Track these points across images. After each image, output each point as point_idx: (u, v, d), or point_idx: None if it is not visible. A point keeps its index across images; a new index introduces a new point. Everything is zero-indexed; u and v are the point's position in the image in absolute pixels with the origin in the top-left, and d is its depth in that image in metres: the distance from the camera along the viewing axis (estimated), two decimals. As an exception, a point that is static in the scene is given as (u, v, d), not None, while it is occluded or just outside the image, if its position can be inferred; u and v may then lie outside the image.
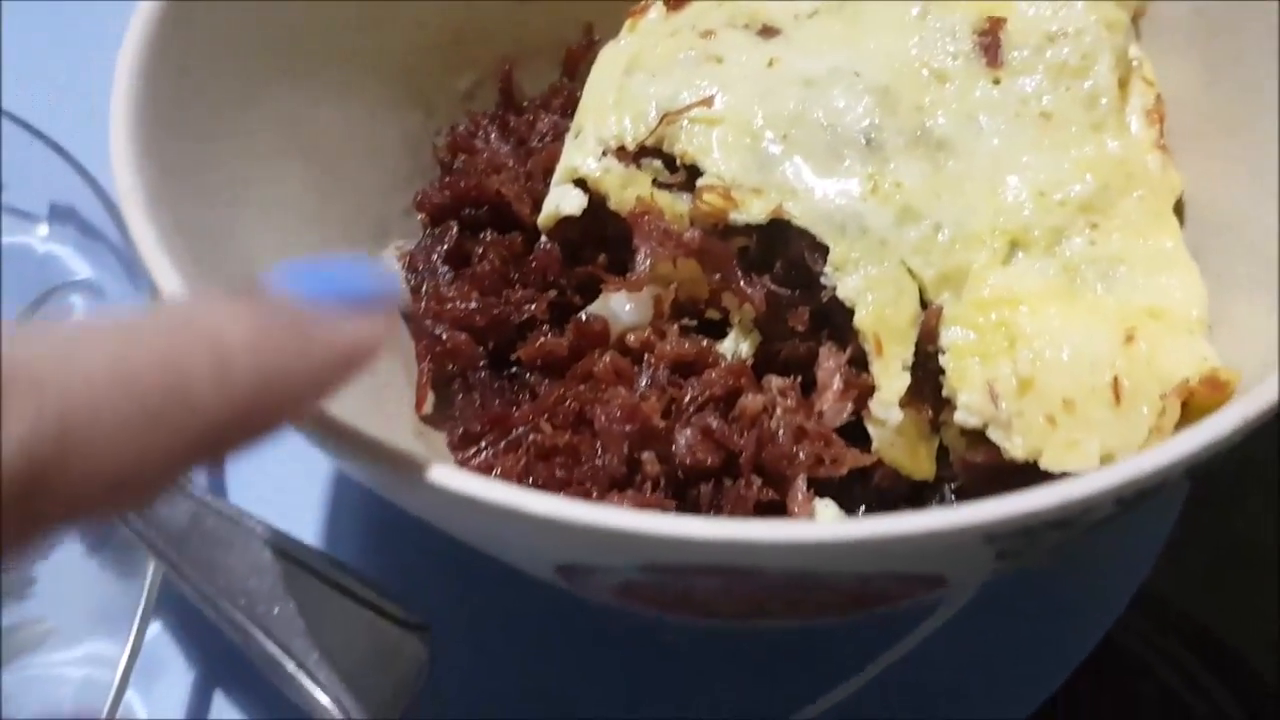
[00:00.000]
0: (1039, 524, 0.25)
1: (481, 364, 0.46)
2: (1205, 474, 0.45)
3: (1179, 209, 0.43)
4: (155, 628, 0.45)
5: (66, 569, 0.46)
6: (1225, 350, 0.39)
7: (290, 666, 0.36)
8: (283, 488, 0.45)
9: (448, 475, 0.26)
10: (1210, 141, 0.44)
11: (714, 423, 0.41)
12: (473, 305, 0.46)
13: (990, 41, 0.42)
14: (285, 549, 0.39)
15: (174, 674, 0.46)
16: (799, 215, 0.41)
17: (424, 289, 0.48)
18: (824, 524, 0.24)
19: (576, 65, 0.55)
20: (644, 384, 0.43)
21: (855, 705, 0.43)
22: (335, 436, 0.29)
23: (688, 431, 0.41)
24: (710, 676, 0.44)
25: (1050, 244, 0.40)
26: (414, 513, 0.34)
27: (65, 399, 0.19)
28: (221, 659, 0.42)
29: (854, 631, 0.41)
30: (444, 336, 0.46)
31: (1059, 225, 0.40)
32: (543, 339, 0.46)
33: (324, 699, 0.35)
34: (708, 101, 0.44)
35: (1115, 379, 0.36)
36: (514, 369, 0.47)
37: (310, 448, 0.32)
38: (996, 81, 0.42)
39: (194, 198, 0.38)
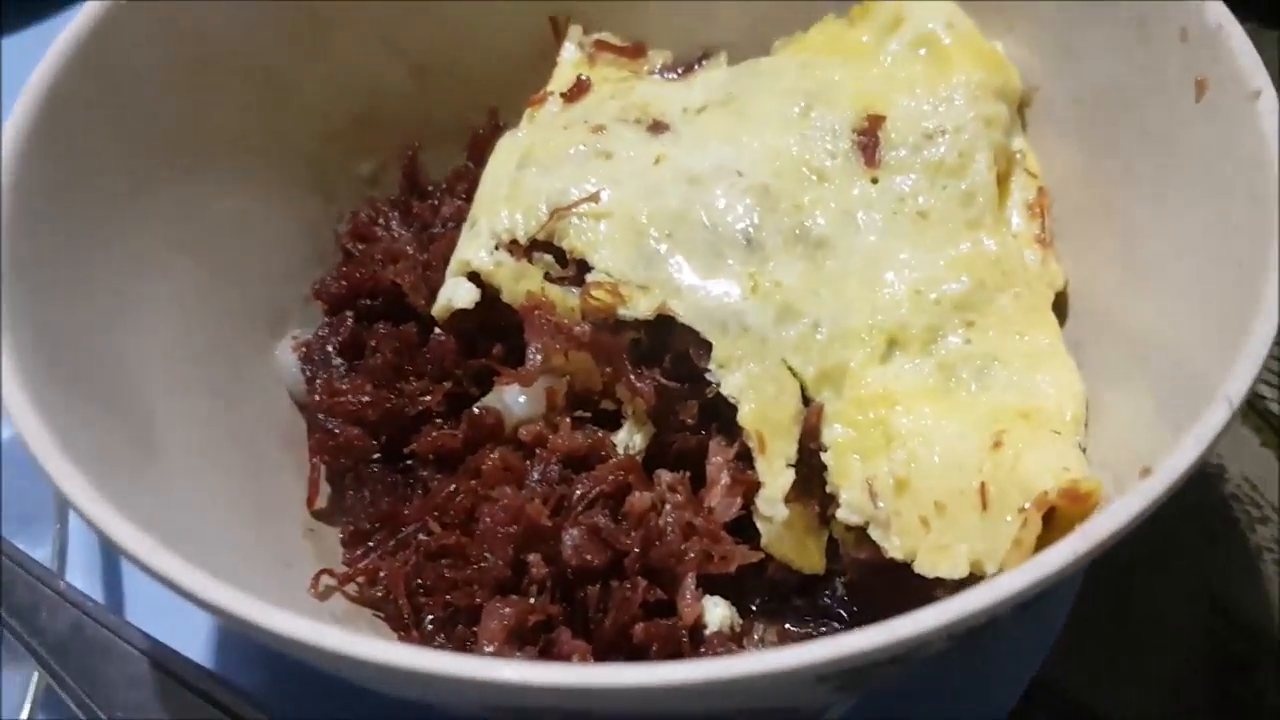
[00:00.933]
0: (869, 664, 0.25)
1: (375, 458, 0.46)
2: (1100, 563, 0.46)
3: (1061, 302, 0.44)
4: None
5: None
6: (1104, 443, 0.39)
7: None
8: (172, 596, 0.44)
9: (303, 631, 0.26)
10: (1090, 229, 0.44)
11: (602, 521, 0.41)
12: (366, 399, 0.46)
13: (869, 141, 0.43)
14: (163, 662, 0.39)
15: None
16: (683, 313, 0.42)
17: (318, 381, 0.47)
18: (654, 668, 0.24)
19: (482, 150, 0.55)
20: (535, 479, 0.43)
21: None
22: (192, 595, 0.29)
23: (574, 532, 0.41)
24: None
25: (926, 342, 0.40)
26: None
27: None
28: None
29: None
30: (336, 431, 0.46)
31: (935, 324, 0.40)
32: (436, 433, 0.45)
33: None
34: (595, 198, 0.44)
35: (983, 484, 0.36)
36: (408, 462, 0.46)
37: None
38: (875, 180, 0.43)
39: (67, 291, 0.38)
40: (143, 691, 0.39)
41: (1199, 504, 0.51)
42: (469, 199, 0.52)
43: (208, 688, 0.38)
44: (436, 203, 0.54)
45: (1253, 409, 0.53)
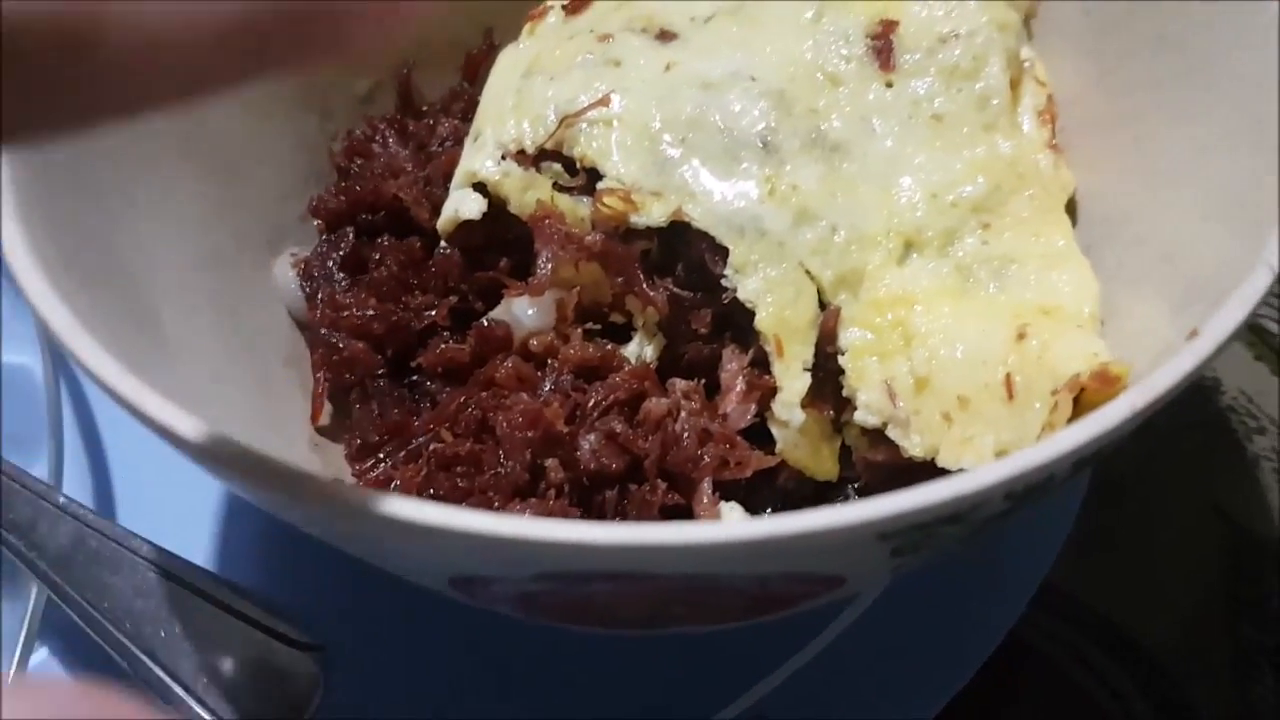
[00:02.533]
0: (931, 519, 0.25)
1: (380, 372, 0.45)
2: (1102, 470, 0.47)
3: (1071, 207, 0.44)
4: (41, 653, 0.43)
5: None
6: (1119, 344, 0.40)
7: (179, 690, 0.35)
8: (171, 506, 0.43)
9: (334, 490, 0.25)
10: (1101, 139, 0.45)
11: (618, 427, 0.41)
12: (370, 312, 0.45)
13: (883, 45, 0.43)
14: (171, 570, 0.38)
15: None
16: (698, 218, 0.41)
17: (320, 297, 0.46)
18: (715, 525, 0.24)
19: (476, 69, 0.54)
20: (547, 389, 0.43)
21: (765, 708, 0.43)
22: (218, 458, 0.28)
23: (591, 437, 0.41)
24: (619, 685, 0.43)
25: (944, 244, 0.40)
26: (304, 529, 0.33)
27: None
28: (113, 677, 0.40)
29: (761, 635, 0.40)
30: (340, 345, 0.45)
31: (952, 226, 0.40)
32: (444, 346, 0.45)
33: (211, 722, 0.34)
34: (605, 101, 0.43)
35: (1008, 376, 0.36)
36: (415, 377, 0.46)
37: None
38: (889, 84, 0.42)
39: (74, 193, 0.37)
40: (151, 600, 0.38)
41: (1198, 417, 0.52)
42: (465, 119, 0.51)
43: (216, 591, 0.38)
44: (432, 122, 0.52)
45: (1245, 324, 0.53)
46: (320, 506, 0.27)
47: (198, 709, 0.34)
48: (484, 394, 0.43)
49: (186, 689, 0.35)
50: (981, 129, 0.42)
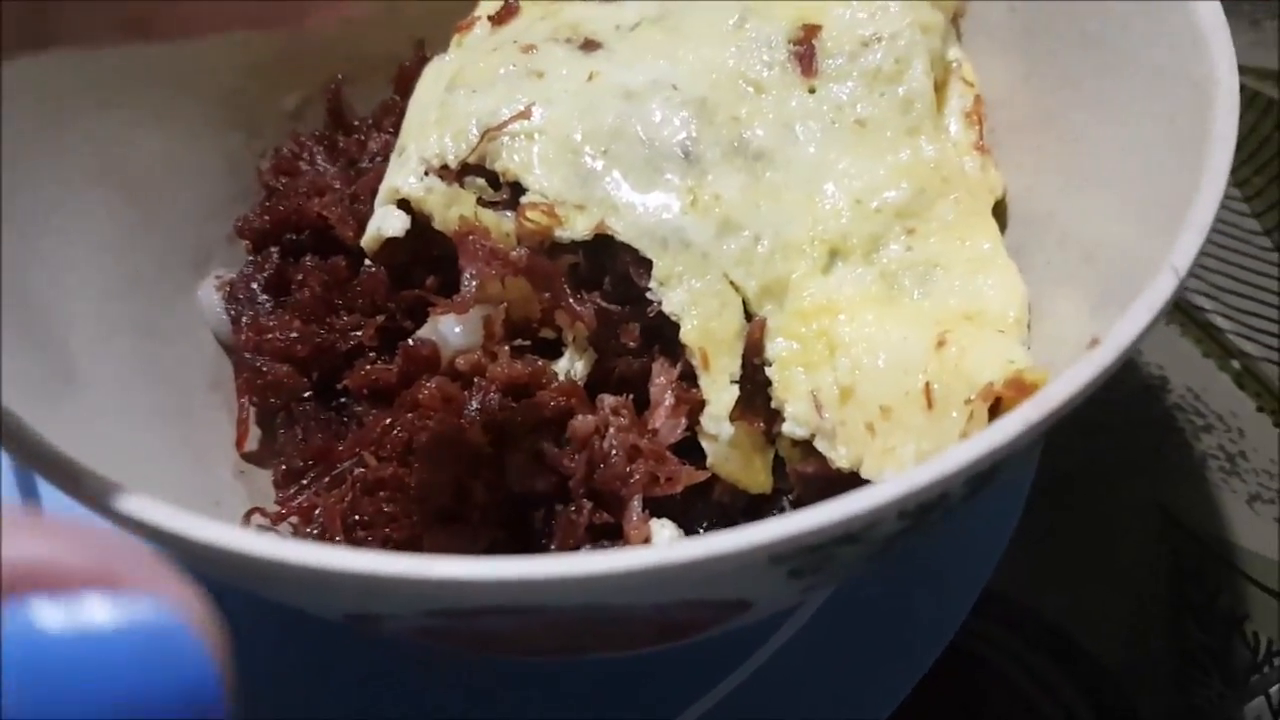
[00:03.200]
0: (824, 541, 0.24)
1: (306, 396, 0.44)
2: (1048, 469, 0.46)
3: (1001, 209, 0.44)
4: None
5: None
6: (1046, 347, 0.39)
7: None
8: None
9: (201, 529, 0.25)
10: (1029, 138, 0.44)
11: (545, 446, 0.40)
12: (294, 335, 0.44)
13: (805, 50, 0.42)
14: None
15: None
16: (622, 230, 0.40)
17: (244, 319, 0.46)
18: (592, 557, 0.23)
19: (409, 82, 0.53)
20: (474, 408, 0.42)
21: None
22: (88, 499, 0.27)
23: (516, 457, 0.40)
24: (556, 700, 0.43)
25: (868, 251, 0.40)
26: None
27: None
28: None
29: (698, 650, 0.40)
30: (265, 369, 0.44)
31: (876, 232, 0.40)
32: (370, 367, 0.44)
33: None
34: (527, 114, 0.43)
35: (927, 384, 0.36)
36: (342, 399, 0.45)
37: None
38: (812, 90, 0.42)
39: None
40: None
41: (1144, 415, 0.51)
42: (397, 133, 0.51)
43: None
44: (363, 138, 0.52)
45: (1193, 321, 0.53)
46: (188, 550, 0.26)
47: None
48: (409, 415, 0.42)
49: None
50: (905, 133, 0.41)
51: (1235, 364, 0.53)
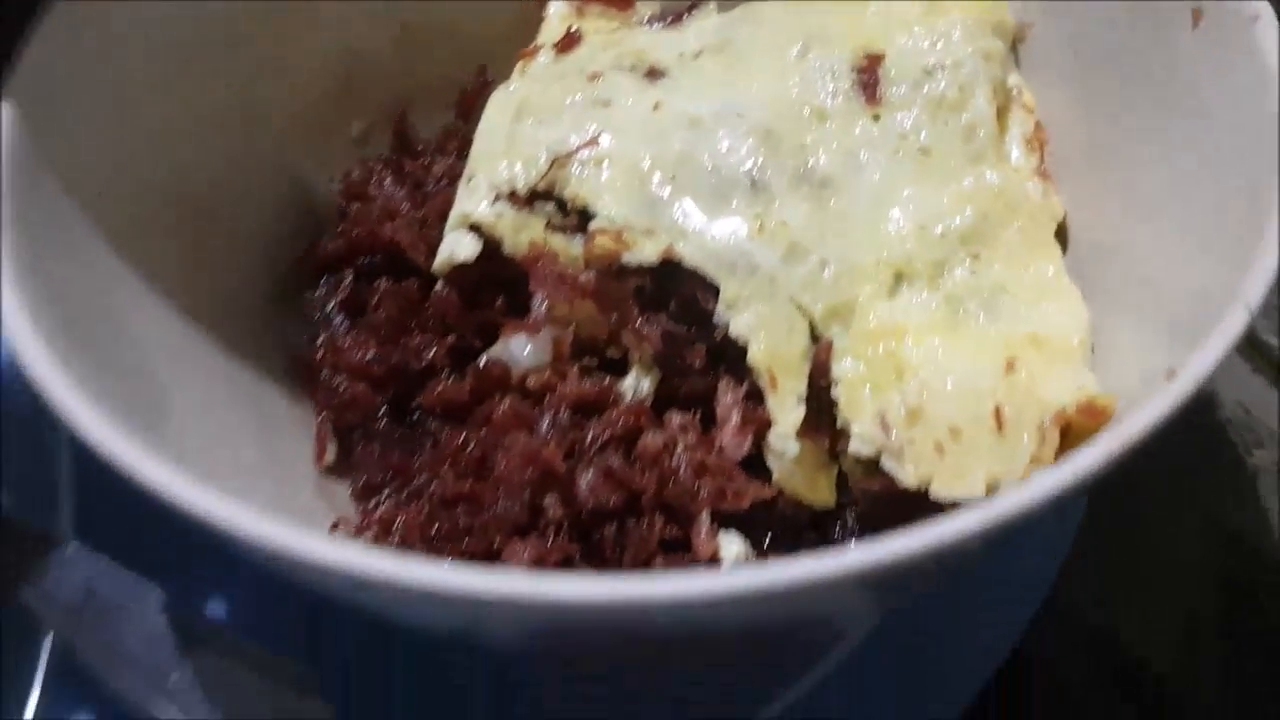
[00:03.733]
0: (911, 567, 0.26)
1: (381, 413, 0.46)
2: (1102, 492, 0.47)
3: (1061, 234, 0.45)
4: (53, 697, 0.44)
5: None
6: (1108, 373, 0.40)
7: None
8: (180, 553, 0.44)
9: (313, 546, 0.26)
10: (1089, 168, 0.45)
11: (616, 463, 0.42)
12: (370, 355, 0.46)
13: (869, 79, 0.43)
14: (181, 617, 0.38)
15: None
16: (689, 255, 0.42)
17: (320, 340, 0.47)
18: (702, 577, 0.24)
19: (471, 107, 0.55)
20: (545, 426, 0.43)
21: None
22: (219, 528, 0.28)
23: (590, 473, 0.41)
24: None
25: (933, 276, 0.41)
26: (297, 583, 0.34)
27: None
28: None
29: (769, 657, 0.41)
30: (342, 388, 0.46)
31: (941, 258, 0.41)
32: (443, 385, 0.45)
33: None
34: (595, 142, 0.44)
35: (997, 407, 0.37)
36: (415, 417, 0.46)
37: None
38: (876, 118, 0.43)
39: (67, 259, 0.38)
40: (163, 649, 0.38)
41: (1196, 432, 0.52)
42: (460, 156, 0.52)
43: (227, 642, 0.38)
44: (428, 161, 0.53)
45: (1243, 338, 0.54)
46: (300, 566, 0.27)
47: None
48: (483, 432, 0.43)
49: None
50: (968, 160, 0.42)
51: (1289, 380, 0.54)
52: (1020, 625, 0.45)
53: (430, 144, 0.55)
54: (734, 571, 0.25)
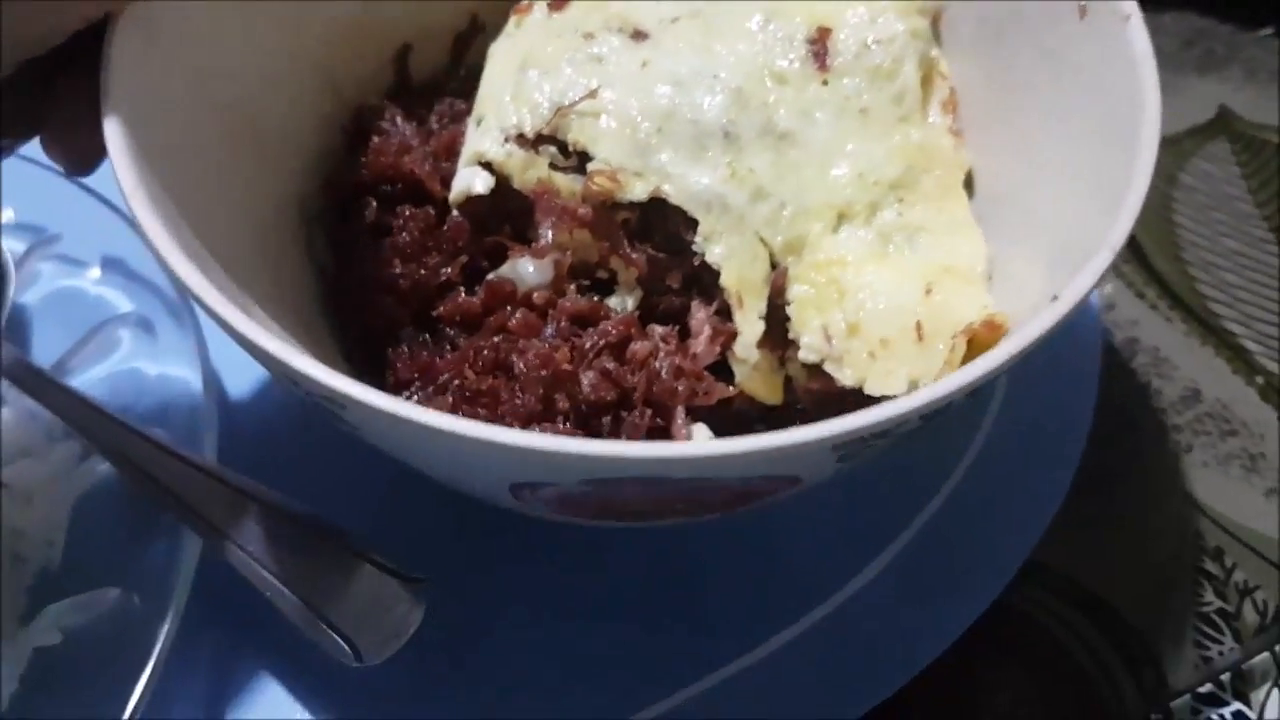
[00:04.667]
0: (868, 435, 0.35)
1: (406, 323, 0.54)
2: (1091, 461, 0.56)
3: (969, 183, 0.55)
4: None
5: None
6: (1003, 297, 0.50)
7: (310, 614, 0.43)
8: (288, 460, 0.52)
9: (426, 414, 0.35)
10: (991, 127, 0.55)
11: (611, 365, 0.51)
12: (396, 271, 0.54)
13: (820, 49, 0.52)
14: (296, 515, 0.46)
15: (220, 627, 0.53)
16: (674, 195, 0.50)
17: (349, 258, 0.55)
18: (718, 442, 0.33)
19: (464, 50, 0.62)
20: (550, 334, 0.52)
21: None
22: (320, 386, 0.37)
23: (590, 374, 0.50)
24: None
25: (868, 216, 0.50)
26: (387, 450, 0.42)
27: None
28: (258, 608, 0.46)
29: (764, 598, 0.51)
30: (371, 299, 0.53)
31: (875, 201, 0.51)
32: (459, 298, 0.54)
33: (338, 640, 0.43)
34: (593, 95, 0.52)
35: (918, 323, 0.47)
36: (434, 327, 0.54)
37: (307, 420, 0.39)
38: (825, 83, 0.52)
39: (166, 174, 0.44)
40: (283, 544, 0.45)
41: (1178, 421, 0.63)
42: (457, 96, 0.60)
43: (339, 535, 0.46)
44: (430, 101, 0.61)
45: (1225, 344, 0.66)
46: (409, 430, 0.36)
47: (325, 628, 0.42)
48: (497, 339, 0.52)
49: (317, 613, 0.42)
50: (898, 120, 0.52)
51: (1260, 380, 0.65)
52: (1004, 578, 0.54)
53: (429, 85, 0.62)
54: (736, 440, 0.35)
